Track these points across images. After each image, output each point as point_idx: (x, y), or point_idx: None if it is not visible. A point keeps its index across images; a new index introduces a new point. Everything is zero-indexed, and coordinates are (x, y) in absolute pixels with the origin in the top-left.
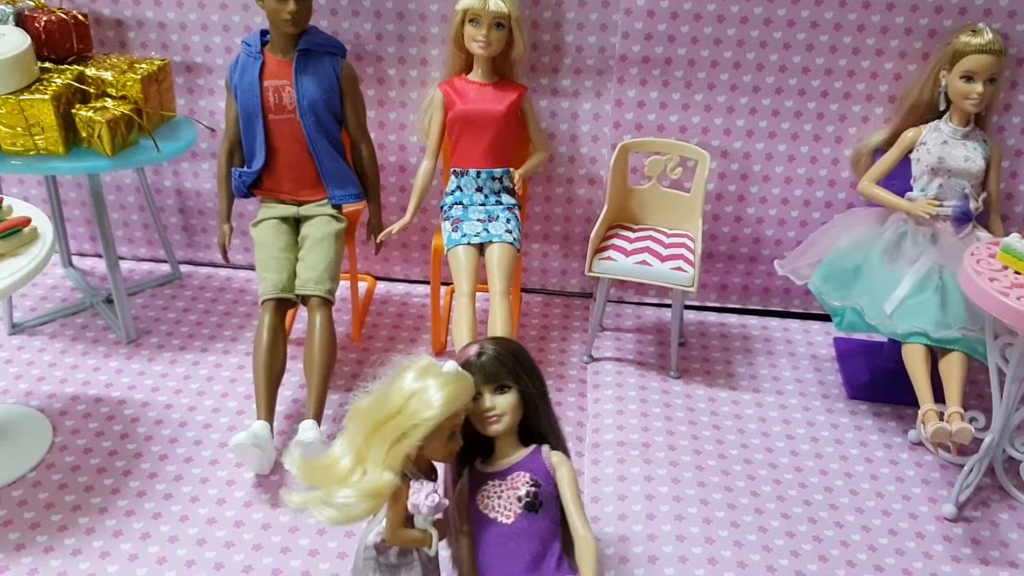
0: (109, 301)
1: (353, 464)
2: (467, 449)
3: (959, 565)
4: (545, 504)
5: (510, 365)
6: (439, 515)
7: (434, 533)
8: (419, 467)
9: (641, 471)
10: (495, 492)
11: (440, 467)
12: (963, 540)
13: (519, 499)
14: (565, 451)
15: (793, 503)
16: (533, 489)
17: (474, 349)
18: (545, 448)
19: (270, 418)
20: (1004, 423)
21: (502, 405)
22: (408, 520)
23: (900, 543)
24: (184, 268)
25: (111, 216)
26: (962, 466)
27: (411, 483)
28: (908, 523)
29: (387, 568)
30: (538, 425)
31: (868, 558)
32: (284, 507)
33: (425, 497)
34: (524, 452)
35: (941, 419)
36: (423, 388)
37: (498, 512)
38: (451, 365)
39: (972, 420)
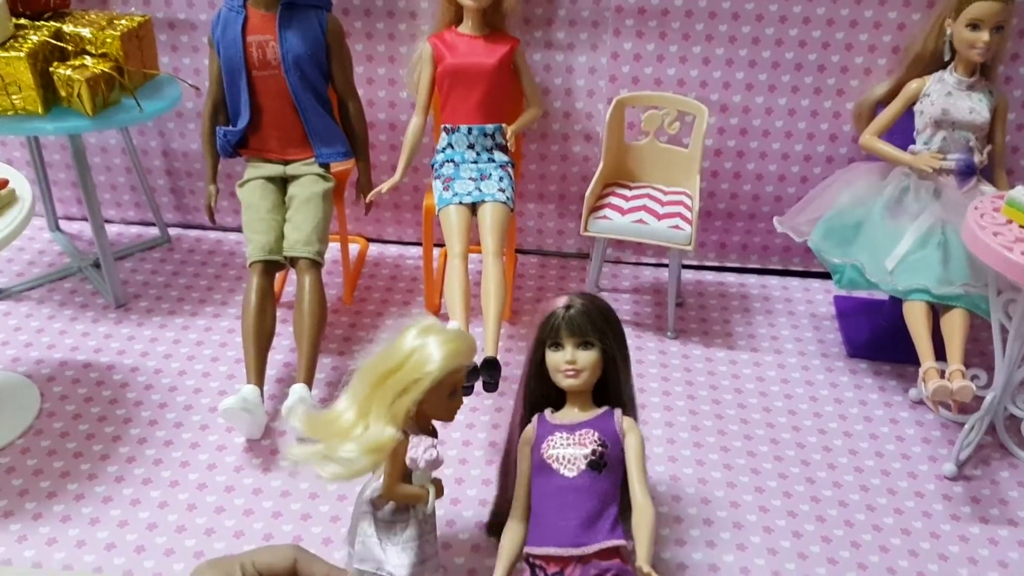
0: (97, 265)
1: (356, 419)
2: (540, 398)
3: (958, 524)
4: (609, 466)
5: (598, 322)
6: (436, 471)
7: (431, 490)
8: (420, 426)
9: None
10: (562, 444)
11: (446, 425)
12: (963, 499)
13: (585, 456)
14: (635, 419)
15: (791, 463)
16: (600, 449)
17: (563, 301)
18: (618, 412)
19: (260, 382)
20: (1006, 380)
21: (583, 360)
22: (406, 477)
23: (899, 502)
24: (173, 231)
25: (97, 178)
26: (963, 424)
27: (410, 438)
28: (907, 482)
29: (382, 524)
30: (616, 387)
31: (866, 518)
32: (275, 472)
33: (423, 451)
34: (596, 412)
35: (942, 377)
36: (423, 344)
37: (561, 464)
38: (452, 324)
39: (974, 378)
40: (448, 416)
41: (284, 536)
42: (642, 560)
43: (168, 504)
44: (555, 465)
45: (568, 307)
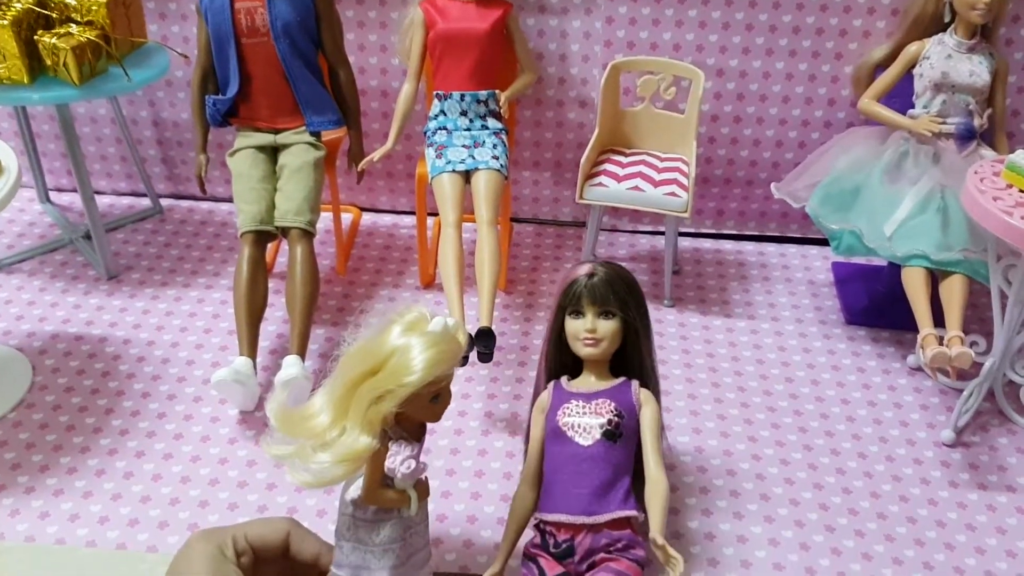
0: (88, 237)
1: (331, 421)
2: (558, 365)
3: (956, 490)
4: (624, 436)
5: (620, 292)
6: (420, 477)
7: (413, 495)
8: (405, 427)
9: None
10: (578, 412)
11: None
12: (961, 465)
13: (600, 425)
14: (656, 392)
15: (788, 431)
16: (616, 419)
17: (586, 269)
18: (635, 383)
19: (252, 354)
20: (1005, 347)
21: (603, 330)
22: (388, 481)
23: (897, 469)
24: (165, 202)
25: (87, 149)
26: (961, 391)
27: (390, 445)
28: (905, 449)
29: (364, 523)
30: (635, 358)
31: (864, 485)
32: None
33: (401, 463)
34: (614, 382)
35: (940, 344)
36: (406, 347)
37: (576, 432)
38: (438, 323)
39: (973, 344)
40: (432, 418)
41: (278, 508)
42: (656, 531)
43: (162, 477)
44: (570, 433)
45: (591, 275)
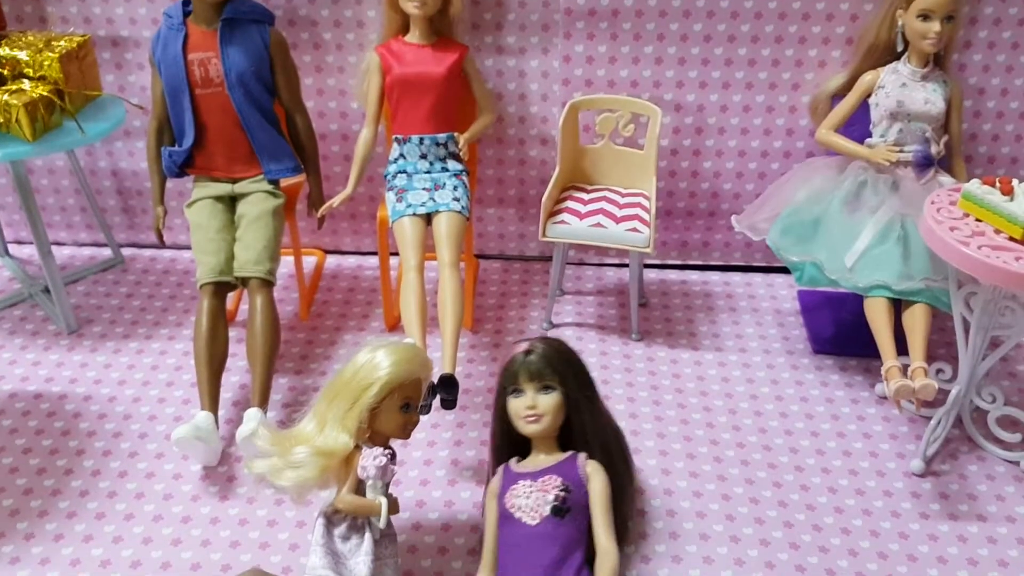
0: (48, 291)
1: (314, 430)
2: (506, 448)
3: (927, 522)
4: (573, 511)
5: (557, 365)
6: (389, 478)
7: (384, 503)
8: (376, 444)
9: None
10: (524, 492)
11: (406, 444)
12: (931, 495)
13: (548, 503)
14: (620, 450)
15: (757, 467)
16: (563, 494)
17: (523, 347)
18: (582, 456)
19: (214, 408)
20: (970, 373)
21: (543, 405)
22: (361, 492)
23: (867, 503)
24: (126, 251)
25: (46, 201)
26: (930, 419)
27: (363, 449)
28: (875, 481)
29: (338, 539)
30: (580, 430)
31: (834, 520)
32: (233, 499)
33: (373, 459)
34: (560, 457)
35: (905, 374)
36: (373, 356)
37: (524, 512)
38: (409, 341)
39: (938, 372)
40: (402, 433)
41: (242, 566)
42: None
43: (123, 539)
44: (518, 514)
45: (528, 352)
